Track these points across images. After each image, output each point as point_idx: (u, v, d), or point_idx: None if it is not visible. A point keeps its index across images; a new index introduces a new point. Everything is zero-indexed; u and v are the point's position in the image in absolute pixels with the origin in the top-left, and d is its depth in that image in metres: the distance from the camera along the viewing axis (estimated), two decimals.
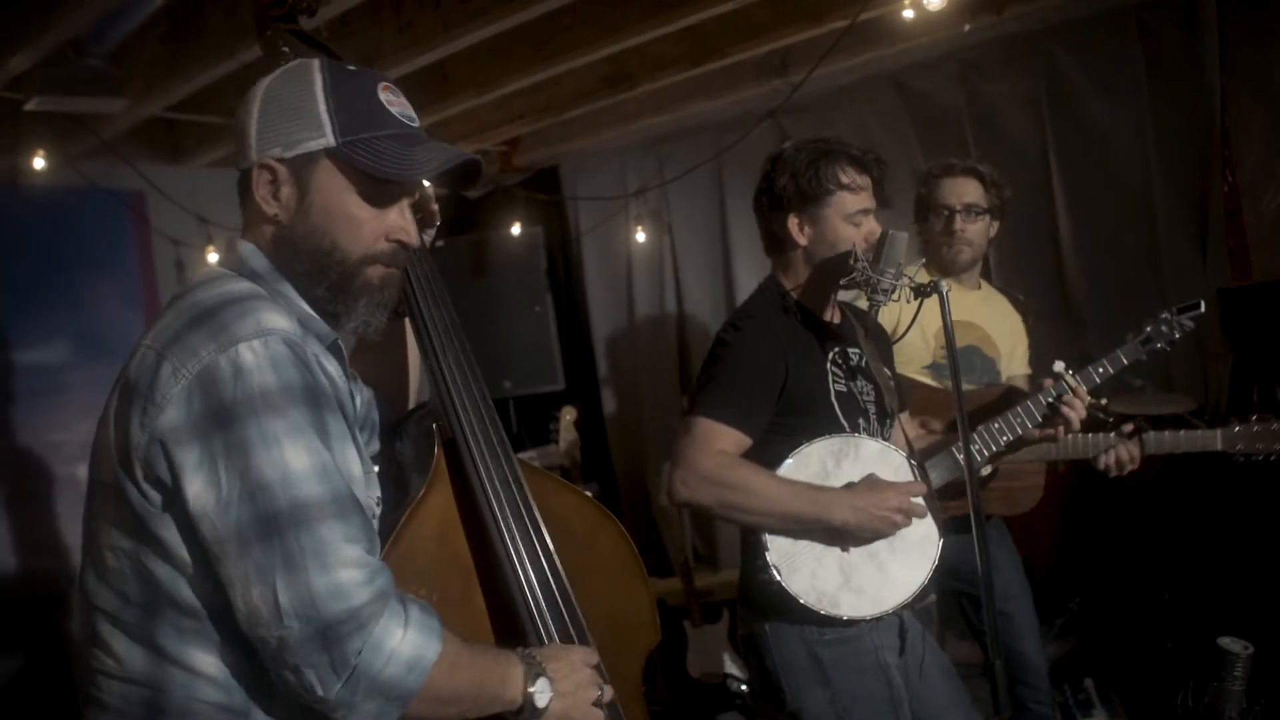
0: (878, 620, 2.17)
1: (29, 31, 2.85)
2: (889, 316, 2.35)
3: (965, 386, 2.77)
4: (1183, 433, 2.57)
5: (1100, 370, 2.48)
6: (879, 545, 2.15)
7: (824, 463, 2.16)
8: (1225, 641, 2.80)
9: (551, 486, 1.66)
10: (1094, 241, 4.19)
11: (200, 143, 4.44)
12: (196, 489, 1.23)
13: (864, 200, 2.25)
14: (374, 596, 1.24)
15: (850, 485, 2.14)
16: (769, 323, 2.25)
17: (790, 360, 2.19)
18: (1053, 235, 4.27)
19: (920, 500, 2.14)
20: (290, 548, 1.21)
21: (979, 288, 3.05)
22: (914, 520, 2.15)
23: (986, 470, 2.67)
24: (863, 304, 2.29)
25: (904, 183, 4.62)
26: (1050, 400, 2.35)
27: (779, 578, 2.09)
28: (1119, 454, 2.57)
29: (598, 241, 5.80)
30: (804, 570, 2.11)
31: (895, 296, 2.10)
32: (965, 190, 2.91)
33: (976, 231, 2.91)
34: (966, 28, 4.01)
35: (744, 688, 4.18)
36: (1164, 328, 2.51)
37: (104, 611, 1.33)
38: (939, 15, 3.40)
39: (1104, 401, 2.44)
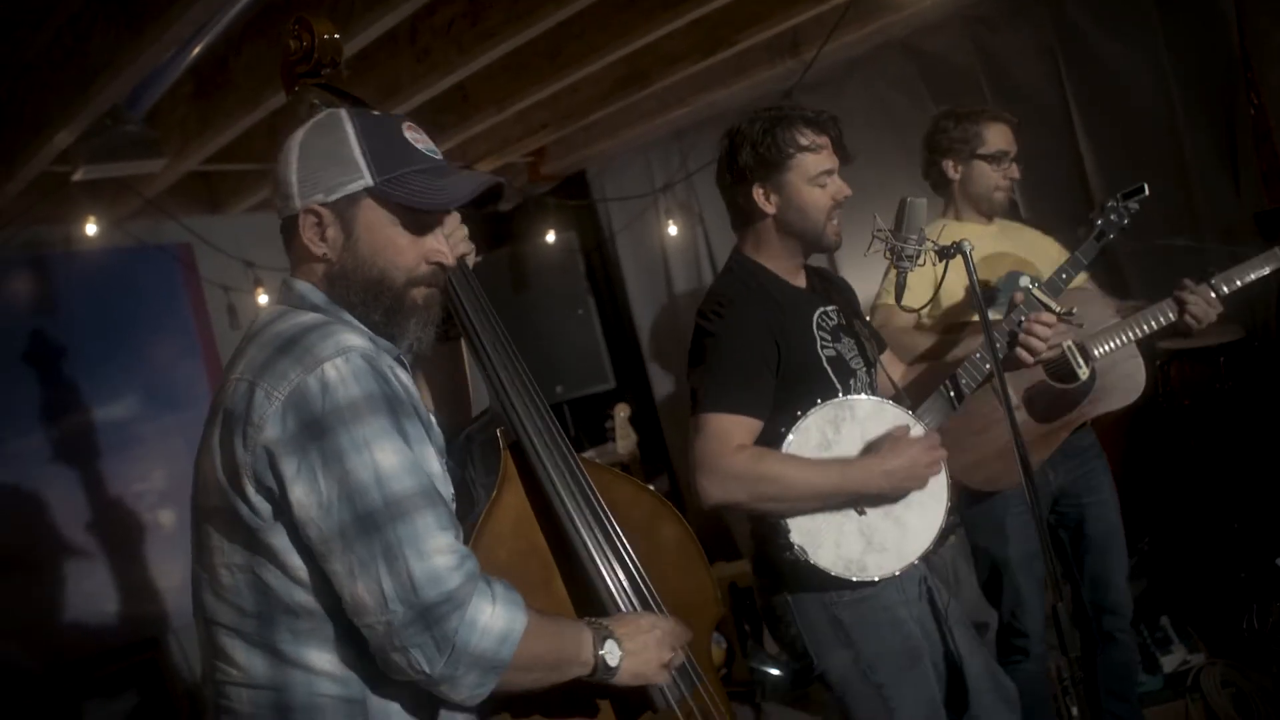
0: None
1: (70, 108, 2.98)
2: (919, 278, 2.39)
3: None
4: (1246, 262, 2.63)
5: (1064, 276, 2.53)
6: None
7: (823, 432, 2.15)
8: None
9: (610, 479, 1.76)
10: (1124, 182, 4.10)
11: (237, 190, 4.60)
12: (298, 496, 1.35)
13: (825, 160, 2.26)
14: (465, 579, 1.36)
15: (872, 449, 2.14)
16: (749, 303, 2.23)
17: (779, 336, 2.20)
18: (1081, 181, 4.25)
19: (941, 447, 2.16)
20: (389, 539, 1.34)
21: (990, 222, 3.06)
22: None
23: (1084, 373, 2.67)
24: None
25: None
26: (1021, 319, 2.31)
27: (806, 557, 2.09)
28: (1197, 309, 2.61)
29: (632, 239, 5.87)
30: (828, 543, 2.12)
31: (921, 261, 2.14)
32: (1006, 135, 2.97)
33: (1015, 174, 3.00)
34: None
35: (774, 670, 4.19)
36: (1113, 216, 2.61)
37: (224, 626, 1.45)
38: None
39: (1074, 310, 2.45)
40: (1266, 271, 2.63)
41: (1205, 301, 2.62)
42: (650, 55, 4.13)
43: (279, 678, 1.42)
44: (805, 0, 3.73)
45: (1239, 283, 2.64)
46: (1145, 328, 2.70)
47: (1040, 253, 3.05)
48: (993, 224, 3.06)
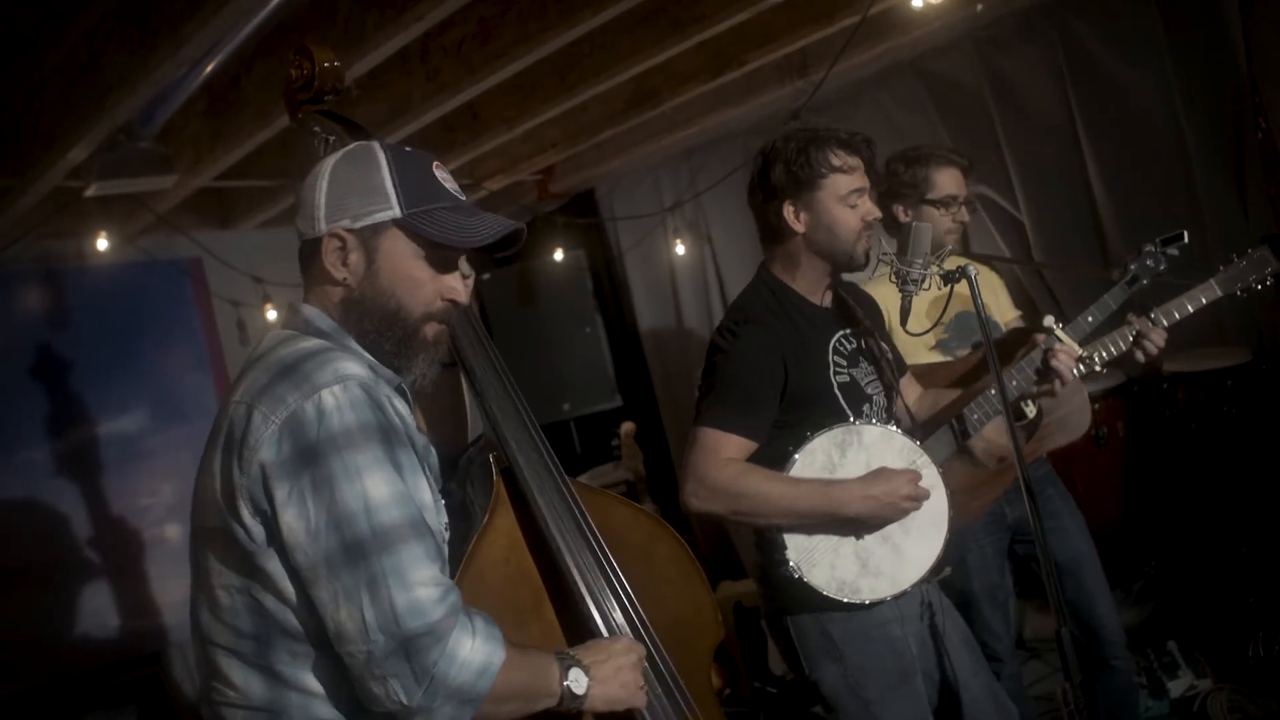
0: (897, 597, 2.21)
1: (83, 124, 3.01)
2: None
3: (963, 352, 2.83)
4: (1185, 295, 2.55)
5: (1089, 319, 2.48)
6: (891, 528, 2.19)
7: (829, 455, 2.18)
8: None
9: (607, 503, 1.77)
10: (1131, 205, 4.17)
11: (248, 206, 4.62)
12: (288, 520, 1.36)
13: (857, 180, 2.27)
14: (448, 612, 1.37)
15: (862, 476, 2.16)
16: (765, 323, 2.25)
17: (789, 360, 2.21)
18: (1089, 204, 4.26)
19: (927, 484, 2.16)
20: (374, 569, 1.35)
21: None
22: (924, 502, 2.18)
23: (1031, 412, 2.65)
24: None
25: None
26: (1049, 349, 2.31)
27: (800, 575, 2.13)
28: (1143, 346, 2.53)
29: (640, 258, 5.89)
30: (823, 563, 2.15)
31: (926, 286, 2.15)
32: (956, 179, 2.91)
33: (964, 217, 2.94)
34: (979, 7, 4.03)
35: (776, 691, 4.20)
36: (1149, 262, 2.52)
37: (221, 646, 1.46)
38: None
39: (1094, 356, 2.43)
40: (1204, 303, 2.54)
41: (1151, 338, 2.53)
42: (659, 75, 4.15)
43: (276, 700, 1.43)
44: (814, 21, 3.75)
45: (1177, 315, 2.55)
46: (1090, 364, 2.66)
47: (982, 284, 3.00)
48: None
